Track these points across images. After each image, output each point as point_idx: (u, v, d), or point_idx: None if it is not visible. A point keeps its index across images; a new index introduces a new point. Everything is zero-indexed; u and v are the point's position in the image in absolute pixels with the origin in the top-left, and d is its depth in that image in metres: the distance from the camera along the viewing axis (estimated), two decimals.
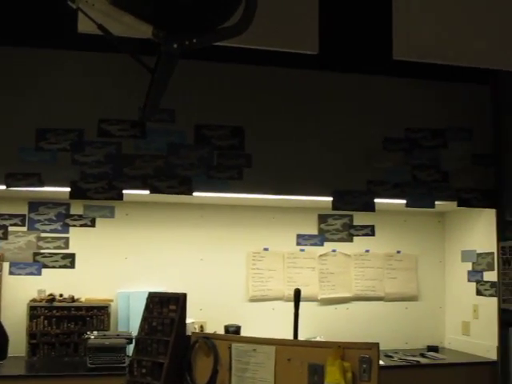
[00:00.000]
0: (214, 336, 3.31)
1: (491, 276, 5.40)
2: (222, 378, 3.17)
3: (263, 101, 5.02)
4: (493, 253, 5.36)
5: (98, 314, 5.17)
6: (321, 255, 5.83)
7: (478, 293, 5.56)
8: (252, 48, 3.79)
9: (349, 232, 5.62)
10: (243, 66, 4.96)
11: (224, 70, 4.96)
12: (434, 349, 5.78)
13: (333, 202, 5.05)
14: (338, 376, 2.95)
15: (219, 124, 4.91)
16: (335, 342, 3.00)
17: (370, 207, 5.11)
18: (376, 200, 5.13)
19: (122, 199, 4.74)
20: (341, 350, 2.98)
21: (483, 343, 5.51)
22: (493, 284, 5.36)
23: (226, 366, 3.17)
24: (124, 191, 4.71)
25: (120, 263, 5.43)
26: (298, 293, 3.58)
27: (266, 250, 5.70)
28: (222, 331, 5.23)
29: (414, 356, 5.49)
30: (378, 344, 2.94)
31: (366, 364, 2.95)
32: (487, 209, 5.41)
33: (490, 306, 5.39)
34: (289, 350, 3.09)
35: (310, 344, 3.16)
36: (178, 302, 3.27)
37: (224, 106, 4.95)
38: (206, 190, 4.87)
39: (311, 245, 5.57)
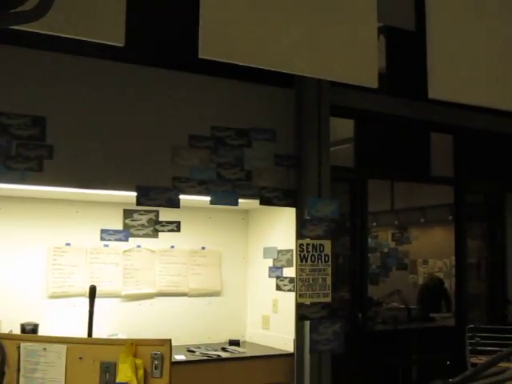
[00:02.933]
0: (1, 336, 3.14)
1: (290, 272, 5.63)
2: (9, 379, 3.02)
3: (68, 91, 4.85)
4: (292, 250, 5.59)
5: None
6: (125, 251, 5.75)
7: (278, 288, 5.77)
8: (57, 35, 3.63)
9: (154, 228, 5.59)
10: (48, 53, 4.76)
11: (27, 56, 4.72)
12: (235, 343, 5.93)
13: (137, 197, 5.00)
14: (130, 373, 2.92)
15: (19, 113, 4.67)
16: (128, 339, 2.97)
17: (175, 203, 5.12)
18: (181, 196, 5.15)
19: None
20: (133, 347, 2.95)
21: (281, 336, 5.73)
22: (291, 279, 5.59)
23: (15, 366, 3.03)
24: None
25: None
26: (93, 290, 3.51)
27: (68, 244, 5.51)
28: (18, 330, 4.98)
29: (215, 350, 5.59)
30: (170, 340, 2.94)
31: (157, 360, 2.95)
32: (288, 207, 5.64)
33: (288, 300, 5.62)
34: (81, 348, 3.02)
35: (103, 342, 3.10)
36: None
37: (25, 94, 4.71)
38: (3, 181, 4.62)
39: (116, 240, 5.47)
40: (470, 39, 4.97)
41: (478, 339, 3.55)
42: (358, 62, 4.58)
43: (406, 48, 6.58)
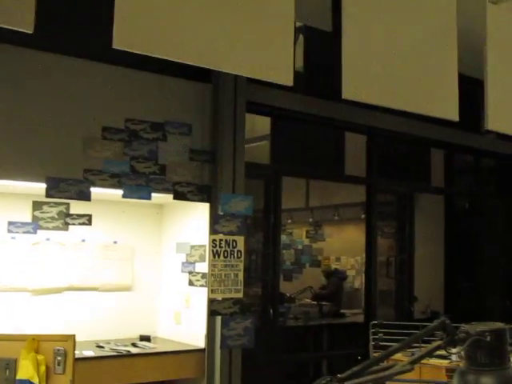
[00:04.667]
0: None
1: (203, 267, 5.61)
2: None
3: None
4: (205, 245, 5.57)
5: None
6: (34, 244, 5.59)
7: (190, 283, 5.75)
8: None
9: (64, 221, 5.46)
10: None
11: None
12: (146, 338, 5.87)
13: (46, 188, 4.87)
14: (31, 370, 2.84)
15: None
16: (29, 335, 2.89)
17: (86, 196, 5.02)
18: (93, 189, 5.05)
19: None
20: (35, 342, 2.87)
21: (193, 332, 5.72)
22: (203, 275, 5.57)
23: None
24: None
25: None
26: None
27: None
28: None
29: (125, 346, 5.52)
30: (73, 336, 2.88)
31: (60, 356, 2.88)
32: (202, 203, 5.62)
33: (200, 296, 5.61)
34: None
35: (3, 337, 3.01)
36: None
37: None
38: None
39: (24, 233, 5.31)
40: (384, 41, 5.08)
41: (380, 335, 3.64)
42: (274, 59, 4.60)
43: (323, 48, 6.68)
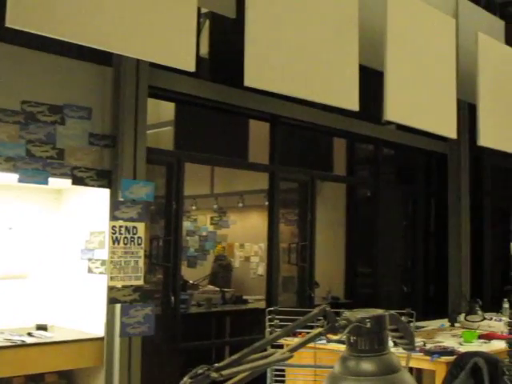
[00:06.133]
0: None
1: (102, 254, 5.51)
2: None
3: None
4: (104, 232, 5.47)
5: None
6: None
7: (89, 270, 5.63)
8: None
9: None
10: None
11: None
12: (42, 327, 5.71)
13: None
14: None
15: None
16: None
17: None
18: None
19: None
20: None
21: (92, 320, 5.62)
22: (103, 262, 5.47)
23: None
24: None
25: None
26: None
27: None
28: None
29: (20, 336, 5.35)
30: None
31: None
32: (102, 188, 5.51)
33: (99, 283, 5.50)
34: None
35: None
36: None
37: None
38: None
39: None
40: (287, 31, 5.12)
41: (276, 321, 3.69)
42: (176, 44, 4.55)
43: (229, 35, 6.67)
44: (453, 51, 6.66)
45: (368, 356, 1.41)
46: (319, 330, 1.34)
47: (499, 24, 7.93)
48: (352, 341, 1.42)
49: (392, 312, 1.52)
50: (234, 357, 1.16)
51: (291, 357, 1.27)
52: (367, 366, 1.41)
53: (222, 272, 9.80)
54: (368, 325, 1.39)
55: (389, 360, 1.43)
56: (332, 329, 1.35)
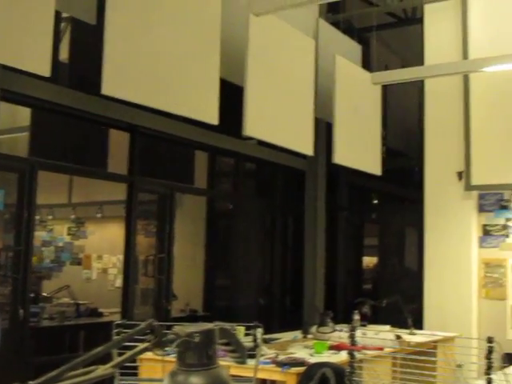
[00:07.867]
0: None
1: None
2: None
3: None
4: None
5: None
6: None
7: None
8: None
9: None
10: None
11: None
12: None
13: None
14: None
15: None
16: None
17: None
18: None
19: None
20: None
21: None
22: None
23: None
24: None
25: None
26: None
27: None
28: None
29: None
30: None
31: None
32: None
33: None
34: None
35: None
36: None
37: None
38: None
39: None
40: (147, 42, 5.09)
41: (124, 335, 3.62)
42: (31, 48, 4.40)
43: (90, 41, 6.53)
44: (312, 71, 6.90)
45: (197, 370, 1.42)
46: (146, 344, 1.33)
47: (357, 47, 8.31)
48: (181, 355, 1.42)
49: (225, 326, 1.53)
50: (53, 373, 1.12)
51: (113, 372, 1.25)
52: (195, 380, 1.42)
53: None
54: (196, 339, 1.40)
55: (217, 374, 1.44)
56: (158, 344, 1.34)
